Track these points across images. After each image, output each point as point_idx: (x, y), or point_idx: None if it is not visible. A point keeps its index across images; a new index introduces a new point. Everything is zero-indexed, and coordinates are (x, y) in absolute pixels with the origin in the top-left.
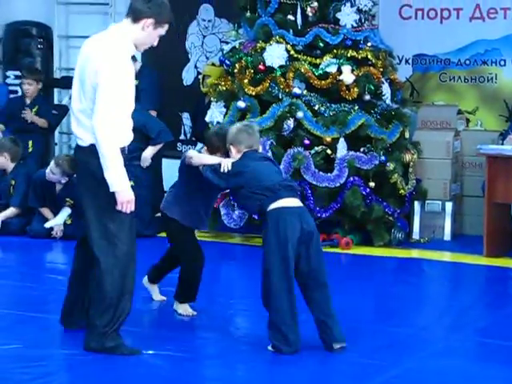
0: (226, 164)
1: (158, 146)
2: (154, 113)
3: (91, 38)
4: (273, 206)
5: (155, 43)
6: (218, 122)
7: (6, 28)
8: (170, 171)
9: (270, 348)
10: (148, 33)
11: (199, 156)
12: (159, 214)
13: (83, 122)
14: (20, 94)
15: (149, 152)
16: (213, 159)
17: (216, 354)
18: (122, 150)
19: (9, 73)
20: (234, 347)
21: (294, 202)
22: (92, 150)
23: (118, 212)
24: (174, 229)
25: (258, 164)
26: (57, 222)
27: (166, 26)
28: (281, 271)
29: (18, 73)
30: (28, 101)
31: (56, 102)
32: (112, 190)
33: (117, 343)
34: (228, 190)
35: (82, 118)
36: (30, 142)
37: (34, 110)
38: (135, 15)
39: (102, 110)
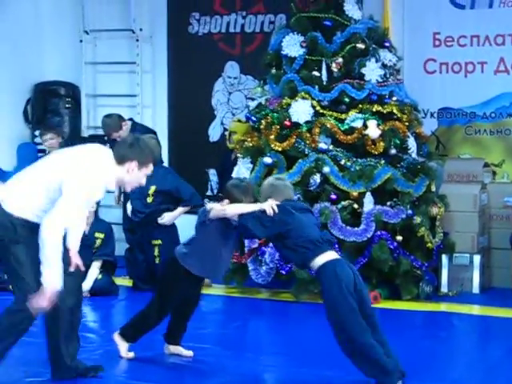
0: (272, 206)
1: (187, 208)
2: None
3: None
4: (319, 259)
5: (143, 182)
6: (244, 178)
7: (34, 88)
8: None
9: None
10: (134, 175)
11: (234, 206)
12: None
13: (25, 192)
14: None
15: (178, 212)
16: (251, 206)
17: None
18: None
19: (37, 132)
20: None
21: (335, 255)
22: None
23: None
24: (174, 272)
25: (300, 215)
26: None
27: (151, 165)
28: (354, 316)
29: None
30: None
31: None
32: (42, 283)
33: None
34: (255, 245)
35: (30, 191)
36: None
37: None
38: (119, 159)
39: (59, 214)
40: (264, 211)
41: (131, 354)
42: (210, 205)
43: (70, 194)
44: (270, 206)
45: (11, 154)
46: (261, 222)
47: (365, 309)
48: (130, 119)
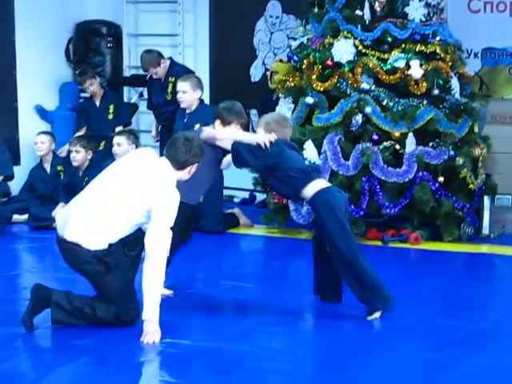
0: (268, 140)
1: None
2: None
3: (140, 156)
4: (310, 188)
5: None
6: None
7: (76, 27)
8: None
9: (370, 318)
10: (191, 172)
11: (227, 131)
12: (230, 211)
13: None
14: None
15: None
16: (246, 135)
17: (284, 349)
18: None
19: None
20: (304, 341)
21: (326, 182)
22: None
23: None
24: None
25: (290, 151)
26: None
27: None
28: (352, 241)
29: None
30: (97, 102)
31: (125, 100)
32: (143, 318)
33: None
34: None
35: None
36: (103, 143)
37: (110, 109)
38: (180, 165)
39: (160, 252)
40: (258, 145)
41: (170, 292)
42: (207, 129)
43: (161, 227)
44: (265, 140)
45: (53, 94)
46: (253, 152)
47: None
48: (170, 58)
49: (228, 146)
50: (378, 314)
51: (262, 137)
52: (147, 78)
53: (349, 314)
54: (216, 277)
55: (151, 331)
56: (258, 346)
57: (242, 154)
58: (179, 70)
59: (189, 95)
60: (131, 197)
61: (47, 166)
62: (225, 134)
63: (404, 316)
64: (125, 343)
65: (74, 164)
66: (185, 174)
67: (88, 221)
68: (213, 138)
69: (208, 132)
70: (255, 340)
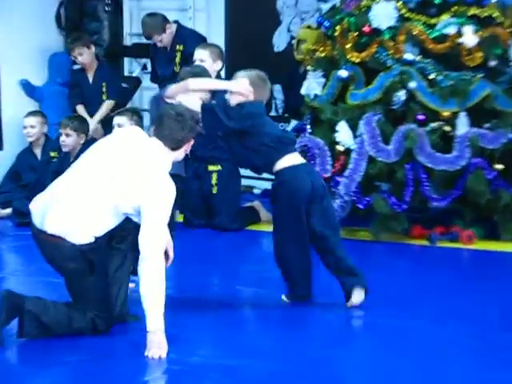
0: (244, 87)
1: None
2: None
3: (126, 136)
4: (282, 162)
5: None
6: (315, 95)
7: None
8: None
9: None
10: (188, 150)
11: (198, 80)
12: (249, 204)
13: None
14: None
15: None
16: (219, 83)
17: (311, 367)
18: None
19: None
20: (336, 360)
21: (300, 159)
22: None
23: None
24: None
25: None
26: None
27: None
28: (288, 236)
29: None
30: (90, 78)
31: (126, 73)
32: (147, 329)
33: None
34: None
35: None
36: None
37: (103, 88)
38: (176, 145)
39: (155, 249)
40: (231, 95)
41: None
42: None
43: (156, 224)
44: (242, 87)
45: (41, 67)
46: (226, 112)
47: (314, 228)
48: (176, 22)
49: (196, 105)
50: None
51: (237, 83)
52: (150, 46)
53: (392, 323)
54: (232, 282)
55: (156, 345)
56: (282, 363)
57: (218, 114)
58: (188, 36)
59: (208, 65)
60: (118, 185)
61: (38, 152)
62: (198, 84)
63: (456, 328)
64: (125, 358)
65: (64, 149)
66: (180, 154)
67: (71, 211)
68: (184, 90)
69: (177, 85)
70: (278, 356)
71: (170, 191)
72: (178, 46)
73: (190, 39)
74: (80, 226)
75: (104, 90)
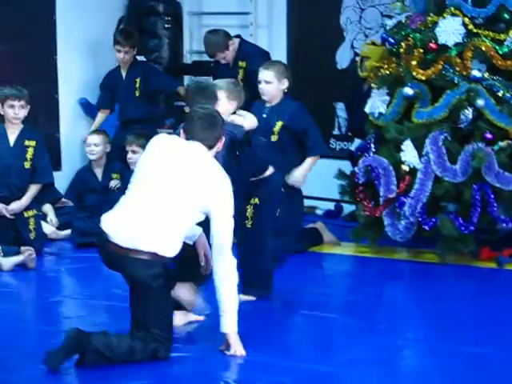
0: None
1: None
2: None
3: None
4: (270, 169)
5: None
6: (379, 114)
7: (128, 5)
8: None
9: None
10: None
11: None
12: (311, 225)
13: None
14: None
15: (305, 167)
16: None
17: None
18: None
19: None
20: None
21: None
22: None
23: None
24: None
25: None
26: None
27: None
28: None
29: (142, 58)
30: (123, 72)
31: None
32: (225, 331)
33: None
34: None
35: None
36: None
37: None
38: (213, 142)
39: (228, 253)
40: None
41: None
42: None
43: (229, 220)
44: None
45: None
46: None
47: None
48: (238, 36)
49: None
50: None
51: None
52: (212, 64)
53: (460, 352)
54: (295, 305)
55: (237, 343)
56: None
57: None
58: (251, 52)
59: (274, 86)
60: (184, 197)
61: (98, 172)
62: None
63: None
64: (186, 382)
65: (132, 167)
66: (214, 152)
67: (160, 227)
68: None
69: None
70: (342, 383)
71: (228, 187)
72: (240, 63)
73: (252, 55)
74: (169, 241)
75: (137, 85)
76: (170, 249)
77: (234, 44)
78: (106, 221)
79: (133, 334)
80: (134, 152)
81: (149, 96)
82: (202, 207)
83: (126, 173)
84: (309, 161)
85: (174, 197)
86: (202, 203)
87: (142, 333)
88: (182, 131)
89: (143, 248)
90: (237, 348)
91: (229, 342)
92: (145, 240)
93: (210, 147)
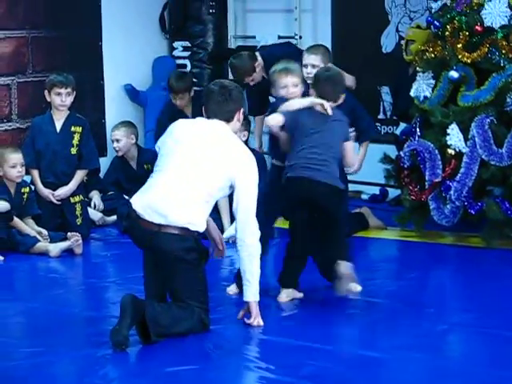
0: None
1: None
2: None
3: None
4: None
5: None
6: (425, 97)
7: None
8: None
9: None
10: (241, 119)
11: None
12: (357, 210)
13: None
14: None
15: (362, 153)
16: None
17: (422, 380)
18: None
19: (176, 44)
20: (448, 372)
21: None
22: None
23: None
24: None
25: None
26: None
27: None
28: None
29: (187, 43)
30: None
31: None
32: (247, 300)
33: None
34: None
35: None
36: None
37: None
38: (227, 115)
39: (254, 223)
40: None
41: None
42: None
43: (254, 194)
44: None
45: (146, 71)
46: None
47: None
48: (259, 49)
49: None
50: None
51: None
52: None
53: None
54: None
55: (257, 312)
56: (392, 375)
57: None
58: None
59: None
60: (210, 171)
61: (133, 164)
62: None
63: None
64: (232, 369)
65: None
66: (235, 124)
67: (190, 202)
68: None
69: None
70: (388, 368)
71: (252, 156)
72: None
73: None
74: (198, 216)
75: None
76: (199, 224)
77: (260, 64)
78: (136, 201)
79: (175, 304)
80: (117, 141)
81: None
82: (228, 179)
83: None
84: (364, 146)
85: (200, 172)
86: (227, 174)
87: (183, 303)
88: (203, 108)
89: (175, 223)
90: (257, 317)
91: (250, 311)
92: (176, 216)
93: (228, 121)
